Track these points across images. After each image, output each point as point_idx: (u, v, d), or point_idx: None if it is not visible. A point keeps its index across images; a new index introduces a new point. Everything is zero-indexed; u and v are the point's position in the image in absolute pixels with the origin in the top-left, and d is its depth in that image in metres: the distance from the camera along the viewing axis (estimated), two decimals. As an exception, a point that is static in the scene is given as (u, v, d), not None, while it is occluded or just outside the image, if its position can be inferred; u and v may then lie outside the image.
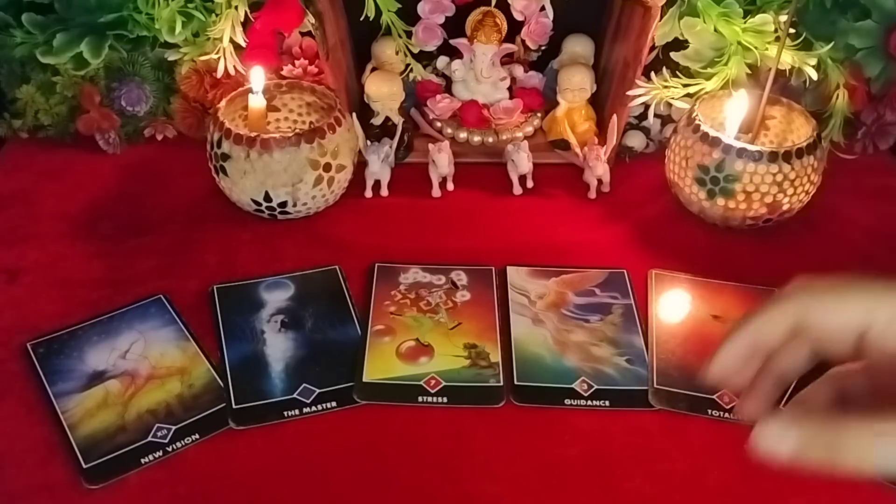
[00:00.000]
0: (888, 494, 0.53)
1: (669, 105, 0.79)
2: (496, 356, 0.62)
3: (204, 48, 0.78)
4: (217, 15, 0.74)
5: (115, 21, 0.75)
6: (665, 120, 0.83)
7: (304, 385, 0.60)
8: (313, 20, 0.74)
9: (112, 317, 0.65)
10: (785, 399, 0.43)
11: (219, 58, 0.75)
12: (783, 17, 0.70)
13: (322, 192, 0.73)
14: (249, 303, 0.67)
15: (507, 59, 0.86)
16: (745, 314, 0.40)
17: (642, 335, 0.65)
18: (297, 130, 0.72)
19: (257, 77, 0.74)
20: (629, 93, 0.76)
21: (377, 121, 0.82)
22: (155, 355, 0.62)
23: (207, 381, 0.60)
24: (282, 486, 0.54)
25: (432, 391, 0.60)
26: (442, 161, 0.78)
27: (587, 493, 0.54)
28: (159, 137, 0.87)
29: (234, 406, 0.58)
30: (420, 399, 0.59)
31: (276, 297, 0.67)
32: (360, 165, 0.78)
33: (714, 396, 0.60)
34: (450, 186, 0.80)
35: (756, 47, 0.72)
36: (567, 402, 0.59)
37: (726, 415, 0.58)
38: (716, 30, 0.73)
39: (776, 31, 0.72)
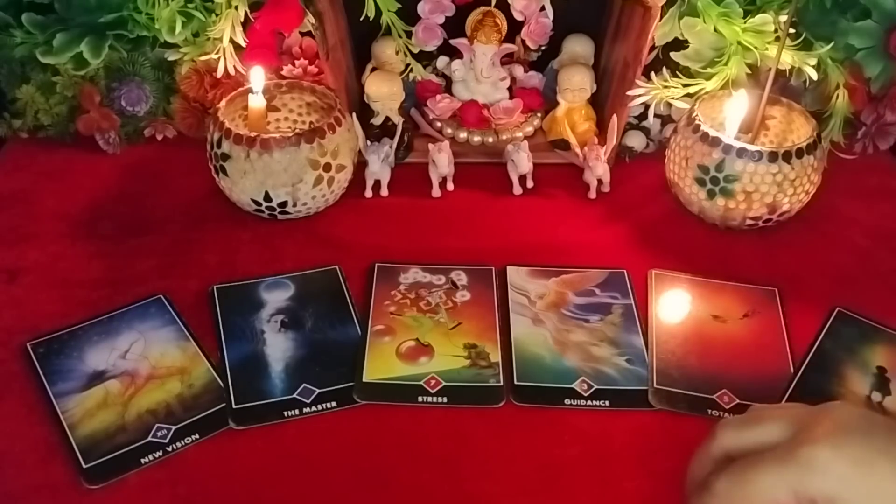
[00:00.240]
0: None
1: (669, 105, 0.79)
2: (496, 356, 0.62)
3: (204, 48, 0.78)
4: (217, 15, 0.74)
5: (115, 21, 0.75)
6: (665, 120, 0.83)
7: (304, 385, 0.60)
8: (313, 20, 0.74)
9: (112, 317, 0.65)
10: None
11: (219, 58, 0.75)
12: (783, 17, 0.70)
13: (322, 192, 0.73)
14: (249, 303, 0.67)
15: (507, 59, 0.86)
16: (688, 484, 0.46)
17: (642, 335, 0.65)
18: (297, 130, 0.72)
19: (257, 77, 0.74)
20: (629, 93, 0.76)
21: (377, 121, 0.82)
22: (155, 355, 0.62)
23: (207, 381, 0.60)
24: (282, 486, 0.54)
25: (432, 391, 0.60)
26: (442, 161, 0.78)
27: (587, 493, 0.54)
28: (159, 137, 0.87)
29: (234, 406, 0.58)
30: (420, 399, 0.59)
31: (276, 297, 0.67)
32: (360, 165, 0.78)
33: (714, 396, 0.60)
34: (450, 186, 0.80)
35: (756, 47, 0.72)
36: (567, 402, 0.59)
37: (726, 415, 0.58)
38: (716, 30, 0.73)
39: (776, 31, 0.72)
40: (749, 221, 0.73)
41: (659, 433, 0.58)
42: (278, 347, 0.63)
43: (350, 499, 0.53)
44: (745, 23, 0.72)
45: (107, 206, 0.78)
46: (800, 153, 0.70)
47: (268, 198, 0.72)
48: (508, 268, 0.70)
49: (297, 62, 0.82)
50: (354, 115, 0.79)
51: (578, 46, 0.84)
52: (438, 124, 0.85)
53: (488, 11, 0.81)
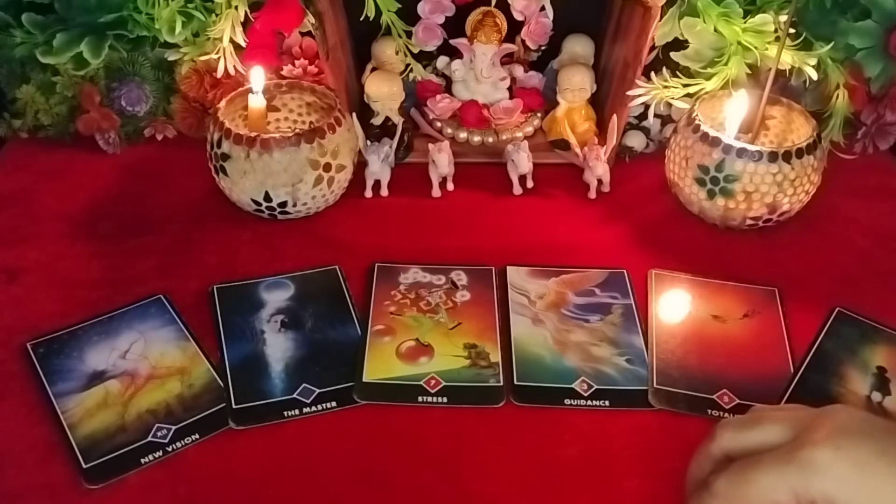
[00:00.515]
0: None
1: (669, 105, 0.79)
2: (496, 356, 0.62)
3: (204, 48, 0.78)
4: (217, 15, 0.74)
5: (115, 21, 0.75)
6: (665, 120, 0.83)
7: (304, 385, 0.60)
8: (313, 20, 0.74)
9: (112, 317, 0.65)
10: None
11: (219, 58, 0.75)
12: (783, 17, 0.70)
13: (322, 192, 0.73)
14: (249, 303, 0.67)
15: (507, 59, 0.86)
16: (688, 484, 0.47)
17: (642, 335, 0.65)
18: (297, 130, 0.72)
19: (257, 77, 0.74)
20: (629, 93, 0.76)
21: (377, 121, 0.82)
22: (155, 355, 0.62)
23: (207, 381, 0.60)
24: (282, 486, 0.54)
25: (432, 391, 0.60)
26: (442, 161, 0.78)
27: (587, 493, 0.54)
28: (159, 137, 0.87)
29: (234, 406, 0.58)
30: (420, 399, 0.59)
31: (276, 297, 0.67)
32: (360, 165, 0.78)
33: (714, 396, 0.60)
34: (450, 186, 0.80)
35: (756, 47, 0.72)
36: (567, 401, 0.59)
37: (726, 415, 0.58)
38: (716, 30, 0.73)
39: (776, 31, 0.72)
40: (749, 221, 0.73)
41: (659, 433, 0.58)
42: (278, 347, 0.63)
43: (350, 499, 0.53)
44: (745, 23, 0.72)
45: (107, 206, 0.78)
46: (800, 153, 0.70)
47: (268, 198, 0.72)
48: (508, 268, 0.70)
49: (297, 62, 0.82)
50: (354, 115, 0.79)
51: (578, 46, 0.84)
52: (438, 124, 0.85)
53: (488, 11, 0.81)
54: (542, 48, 0.85)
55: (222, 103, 0.74)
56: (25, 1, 0.75)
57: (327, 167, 0.72)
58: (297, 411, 0.58)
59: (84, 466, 0.54)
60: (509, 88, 0.86)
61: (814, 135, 0.71)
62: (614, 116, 0.78)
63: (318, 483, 0.54)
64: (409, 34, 0.76)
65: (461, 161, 0.81)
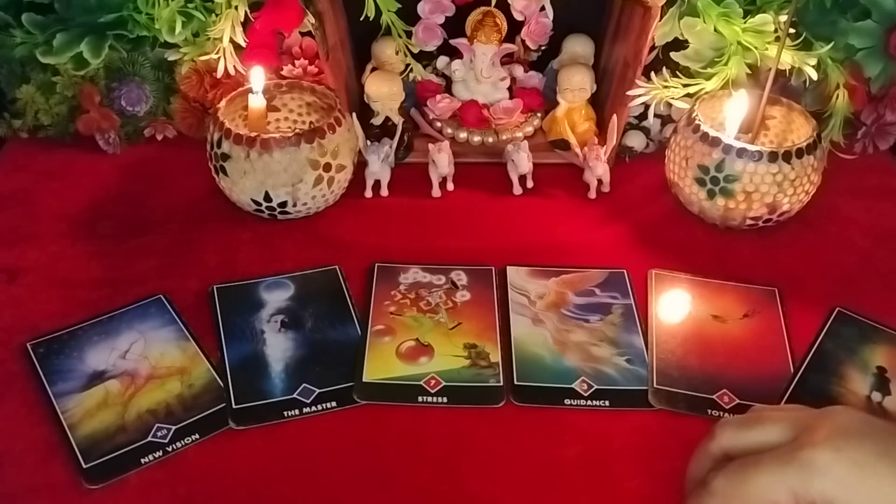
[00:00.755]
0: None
1: (669, 105, 0.79)
2: (496, 356, 0.62)
3: (204, 48, 0.78)
4: (217, 15, 0.74)
5: (115, 21, 0.75)
6: (665, 120, 0.83)
7: (304, 385, 0.60)
8: (313, 20, 0.74)
9: (112, 317, 0.65)
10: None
11: (219, 58, 0.75)
12: (783, 17, 0.70)
13: (322, 192, 0.73)
14: (249, 303, 0.67)
15: (507, 59, 0.86)
16: (688, 481, 0.47)
17: (642, 335, 0.65)
18: (297, 130, 0.72)
19: (257, 77, 0.74)
20: (629, 93, 0.76)
21: (377, 121, 0.82)
22: (155, 355, 0.62)
23: (207, 381, 0.60)
24: (282, 486, 0.54)
25: (432, 391, 0.60)
26: (442, 161, 0.78)
27: (587, 493, 0.54)
28: (159, 137, 0.87)
29: (234, 406, 0.58)
30: (420, 399, 0.59)
31: (276, 297, 0.67)
32: (360, 165, 0.78)
33: (714, 396, 0.60)
34: (450, 186, 0.80)
35: (756, 47, 0.72)
36: (567, 402, 0.59)
37: (726, 415, 0.58)
38: (716, 30, 0.73)
39: (776, 31, 0.72)
40: (749, 221, 0.73)
41: (659, 433, 0.58)
42: (278, 347, 0.63)
43: (350, 499, 0.53)
44: (745, 23, 0.72)
45: (107, 206, 0.78)
46: (800, 153, 0.70)
47: (268, 198, 0.72)
48: (508, 268, 0.70)
49: (297, 62, 0.82)
50: (354, 115, 0.79)
51: (578, 46, 0.84)
52: (438, 124, 0.85)
53: (488, 11, 0.81)
54: (542, 48, 0.85)
55: (222, 103, 0.74)
56: (25, 1, 0.75)
57: (327, 167, 0.72)
58: (297, 411, 0.58)
59: (84, 466, 0.54)
60: (509, 88, 0.86)
61: (814, 135, 0.71)
62: (614, 116, 0.78)
63: (318, 483, 0.54)
64: (409, 34, 0.76)
65: (461, 161, 0.81)
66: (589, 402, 0.59)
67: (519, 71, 0.86)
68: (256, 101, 0.75)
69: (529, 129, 0.86)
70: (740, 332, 0.65)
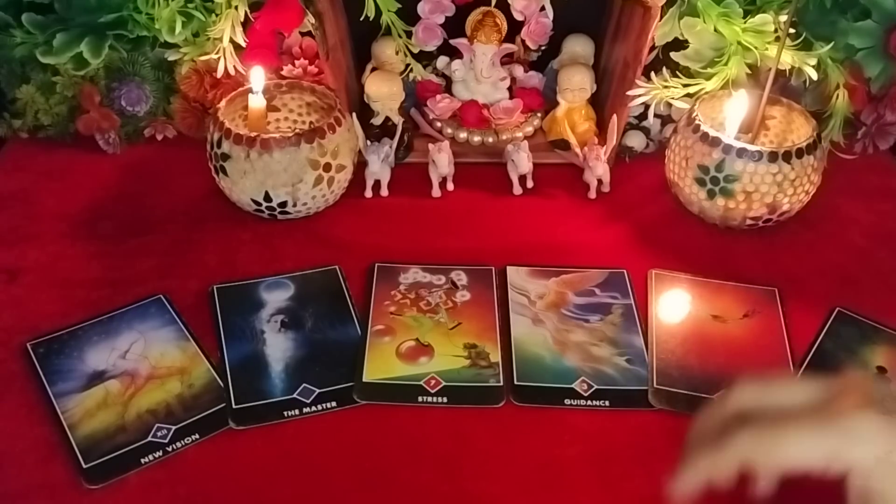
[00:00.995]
0: None
1: (669, 105, 0.79)
2: (496, 356, 0.62)
3: (204, 48, 0.78)
4: (217, 15, 0.74)
5: (115, 21, 0.75)
6: (665, 120, 0.83)
7: (304, 385, 0.60)
8: (313, 20, 0.74)
9: (112, 317, 0.65)
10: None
11: (219, 58, 0.75)
12: (783, 17, 0.70)
13: (322, 192, 0.73)
14: (249, 303, 0.67)
15: (507, 59, 0.86)
16: (693, 436, 0.46)
17: (642, 335, 0.65)
18: (297, 130, 0.72)
19: (257, 77, 0.74)
20: (629, 93, 0.76)
21: (377, 121, 0.82)
22: (155, 355, 0.62)
23: (207, 381, 0.60)
24: (282, 486, 0.54)
25: (432, 391, 0.60)
26: (442, 161, 0.78)
27: (587, 493, 0.54)
28: (159, 137, 0.87)
29: (234, 406, 0.58)
30: (420, 399, 0.59)
31: (276, 297, 0.67)
32: (360, 165, 0.78)
33: (714, 396, 0.60)
34: (450, 186, 0.81)
35: (756, 47, 0.72)
36: (567, 401, 0.59)
37: (726, 415, 0.58)
38: (716, 30, 0.73)
39: (776, 31, 0.72)
40: (749, 221, 0.73)
41: (659, 433, 0.58)
42: (278, 347, 0.63)
43: (350, 499, 0.53)
44: (745, 23, 0.72)
45: (107, 206, 0.78)
46: (800, 153, 0.70)
47: (268, 198, 0.72)
48: (508, 268, 0.70)
49: (297, 62, 0.82)
50: (354, 115, 0.79)
51: (578, 46, 0.84)
52: (438, 124, 0.85)
53: (488, 11, 0.81)
54: (542, 48, 0.85)
55: (222, 103, 0.74)
56: (25, 1, 0.75)
57: (327, 167, 0.72)
58: (297, 411, 0.58)
59: (84, 466, 0.54)
60: (509, 88, 0.86)
61: (814, 135, 0.71)
62: (614, 116, 0.78)
63: (318, 483, 0.54)
64: (409, 34, 0.76)
65: (461, 161, 0.81)
66: (589, 402, 0.59)
67: (519, 71, 0.86)
68: (256, 101, 0.75)
69: (529, 129, 0.86)
70: (740, 333, 0.65)
